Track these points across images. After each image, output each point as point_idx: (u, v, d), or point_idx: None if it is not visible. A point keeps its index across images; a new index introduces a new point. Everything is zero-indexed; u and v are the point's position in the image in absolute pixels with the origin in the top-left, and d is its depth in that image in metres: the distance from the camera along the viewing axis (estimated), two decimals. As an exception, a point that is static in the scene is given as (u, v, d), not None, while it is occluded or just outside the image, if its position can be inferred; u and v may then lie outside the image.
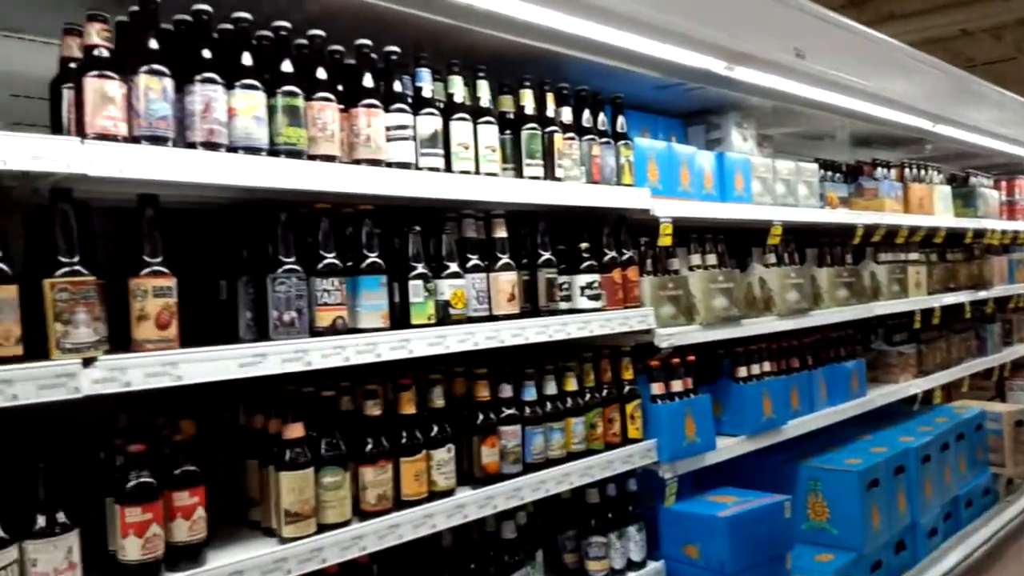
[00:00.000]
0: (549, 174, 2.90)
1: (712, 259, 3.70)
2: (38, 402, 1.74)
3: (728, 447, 3.59)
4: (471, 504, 2.60)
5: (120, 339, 1.94)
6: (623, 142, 3.27)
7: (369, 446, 2.37)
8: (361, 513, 2.35)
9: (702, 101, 4.01)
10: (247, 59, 2.11)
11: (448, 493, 2.55)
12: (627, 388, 3.21)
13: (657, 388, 3.33)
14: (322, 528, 2.24)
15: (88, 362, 1.81)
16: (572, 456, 2.95)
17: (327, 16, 2.43)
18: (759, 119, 4.36)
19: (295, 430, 2.21)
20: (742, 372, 3.73)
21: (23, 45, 2.35)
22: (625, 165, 3.26)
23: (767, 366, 3.87)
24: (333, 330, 2.28)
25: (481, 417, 2.71)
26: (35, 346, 1.79)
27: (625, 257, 3.22)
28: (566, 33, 2.88)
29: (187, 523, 2.01)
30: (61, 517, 1.81)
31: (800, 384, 4.06)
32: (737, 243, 4.10)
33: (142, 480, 1.93)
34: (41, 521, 1.79)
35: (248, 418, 2.40)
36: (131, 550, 1.90)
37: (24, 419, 1.81)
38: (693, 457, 3.38)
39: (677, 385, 3.35)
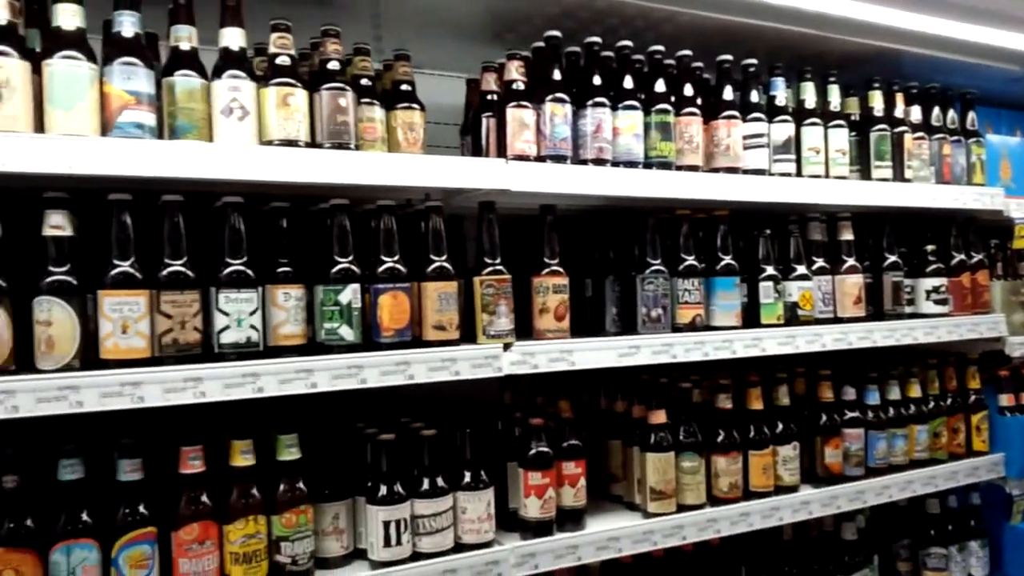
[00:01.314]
0: (898, 175, 2.86)
1: (1072, 263, 3.39)
2: (471, 378, 2.10)
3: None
4: (815, 502, 2.66)
5: (518, 329, 2.26)
6: (974, 140, 3.12)
7: (721, 437, 2.53)
8: (713, 499, 2.52)
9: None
10: (628, 83, 2.36)
11: (792, 489, 2.64)
12: (973, 398, 3.07)
13: (1006, 399, 3.14)
14: (681, 508, 2.44)
15: (507, 347, 2.15)
16: (914, 464, 2.90)
17: (689, 34, 2.62)
18: None
19: (659, 416, 2.43)
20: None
21: (434, 80, 2.80)
22: (976, 164, 3.11)
23: None
24: (692, 327, 2.46)
25: (824, 418, 2.75)
26: (463, 332, 2.16)
27: (974, 260, 3.08)
28: (916, 32, 2.82)
29: (573, 490, 2.30)
30: (483, 475, 2.17)
31: None
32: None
33: (541, 449, 2.25)
34: (468, 477, 2.16)
35: (610, 402, 2.66)
36: (532, 508, 2.23)
37: (433, 394, 2.19)
38: (1048, 476, 3.14)
39: (1030, 397, 3.14)
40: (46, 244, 1.74)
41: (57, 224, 1.74)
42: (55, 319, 1.72)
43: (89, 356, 1.76)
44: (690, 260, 2.49)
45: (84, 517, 1.77)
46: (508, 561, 2.14)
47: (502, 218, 2.24)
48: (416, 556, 2.07)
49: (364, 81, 2.12)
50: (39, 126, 1.71)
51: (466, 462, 2.18)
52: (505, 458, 2.33)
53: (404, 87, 2.20)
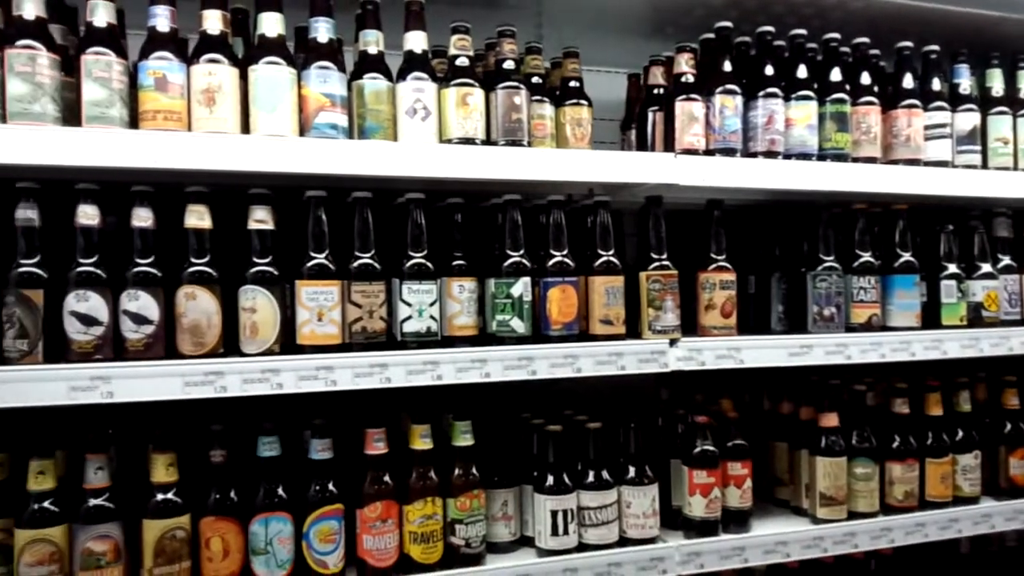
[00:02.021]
0: (1099, 167, 2.62)
1: None
2: (636, 373, 2.10)
3: None
4: (998, 515, 2.49)
5: (683, 325, 2.24)
6: None
7: (897, 443, 2.42)
8: (886, 507, 2.41)
9: None
10: (802, 72, 2.28)
11: (972, 500, 2.49)
12: None
13: None
14: (852, 515, 2.35)
15: (673, 343, 2.14)
16: (1115, 481, 2.65)
17: (860, 20, 2.51)
18: None
19: (831, 419, 2.34)
20: None
21: (593, 76, 2.81)
22: None
23: None
24: (868, 327, 2.36)
25: (1009, 426, 2.57)
26: (628, 327, 2.16)
27: None
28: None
29: (739, 491, 2.26)
30: (647, 470, 2.17)
31: None
32: None
33: (706, 448, 2.22)
34: (632, 471, 2.17)
35: (774, 403, 2.59)
36: (696, 507, 2.21)
37: (587, 388, 2.20)
38: None
39: None
40: (250, 237, 1.88)
41: (261, 219, 1.88)
42: (259, 306, 1.85)
43: (287, 341, 1.89)
44: (866, 257, 2.39)
45: (280, 492, 1.90)
46: (673, 558, 2.13)
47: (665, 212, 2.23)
48: (582, 547, 2.10)
49: (535, 79, 2.16)
50: (244, 127, 1.85)
51: (630, 457, 2.18)
52: (668, 455, 2.31)
53: (573, 83, 2.23)
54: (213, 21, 1.81)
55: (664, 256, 2.19)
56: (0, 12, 1.80)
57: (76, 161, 1.67)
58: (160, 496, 1.82)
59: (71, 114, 1.77)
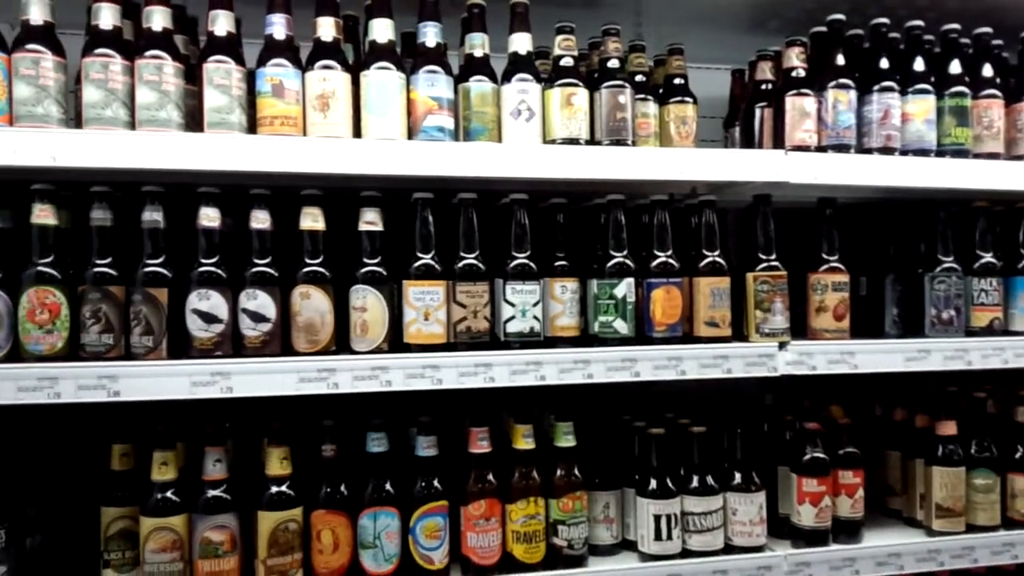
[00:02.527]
0: None
1: None
2: (743, 376, 2.05)
3: None
4: None
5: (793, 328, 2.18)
6: None
7: (1020, 453, 2.28)
8: (1008, 521, 2.28)
9: None
10: (919, 64, 2.19)
11: (1106, 517, 2.32)
12: None
13: None
14: (970, 528, 2.23)
15: (782, 346, 2.08)
16: None
17: (975, 10, 2.38)
18: None
19: (949, 427, 2.23)
20: None
21: (692, 73, 2.76)
22: None
23: None
24: (990, 331, 2.24)
25: None
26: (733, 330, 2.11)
27: None
28: None
29: (850, 500, 2.18)
30: (754, 477, 2.12)
31: None
32: None
33: (817, 455, 2.15)
34: (739, 478, 2.12)
35: (886, 410, 2.49)
36: (806, 516, 2.14)
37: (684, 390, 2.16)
38: None
39: None
40: (361, 238, 1.92)
41: (371, 220, 1.92)
42: (369, 306, 1.90)
43: (394, 340, 1.93)
44: (988, 257, 2.27)
45: (388, 487, 1.94)
46: (781, 567, 2.07)
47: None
48: (686, 553, 2.06)
49: (639, 77, 2.14)
50: (355, 131, 1.90)
51: (736, 462, 2.13)
52: (775, 462, 2.25)
53: (677, 81, 2.20)
54: (327, 28, 1.86)
55: (773, 256, 2.13)
56: (130, 24, 1.89)
57: (199, 165, 1.74)
58: (274, 489, 1.88)
59: (193, 120, 1.85)
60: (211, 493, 1.85)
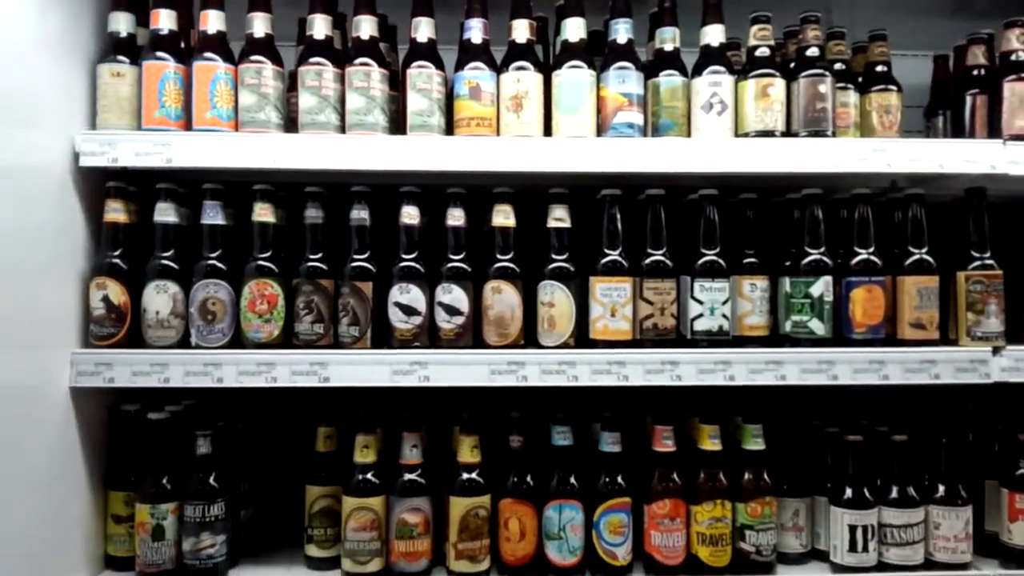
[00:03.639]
0: None
1: None
2: (952, 383, 1.92)
3: None
4: None
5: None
6: None
7: None
8: None
9: None
10: None
11: None
12: None
13: None
14: None
15: (996, 351, 1.92)
16: None
17: None
18: None
19: None
20: None
21: (896, 60, 2.61)
22: None
23: None
24: None
25: None
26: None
27: None
28: None
29: (1071, 522, 1.99)
30: (960, 490, 1.97)
31: None
32: None
33: (1034, 470, 1.98)
34: (942, 490, 1.98)
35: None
36: (1018, 535, 1.97)
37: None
38: None
39: None
40: (549, 235, 1.95)
41: (560, 217, 1.95)
42: (556, 301, 1.92)
43: (580, 335, 1.94)
44: None
45: (572, 481, 1.96)
46: (991, 589, 1.93)
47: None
48: (882, 566, 1.96)
49: (838, 66, 2.04)
50: (546, 130, 1.93)
51: (940, 474, 2.00)
52: (983, 475, 2.09)
53: (880, 68, 2.09)
54: (521, 31, 1.91)
55: (987, 254, 1.97)
56: (338, 34, 2.02)
57: (402, 166, 1.84)
58: (465, 476, 1.95)
59: (394, 124, 1.94)
60: (407, 477, 1.94)
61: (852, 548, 1.94)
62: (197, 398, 2.10)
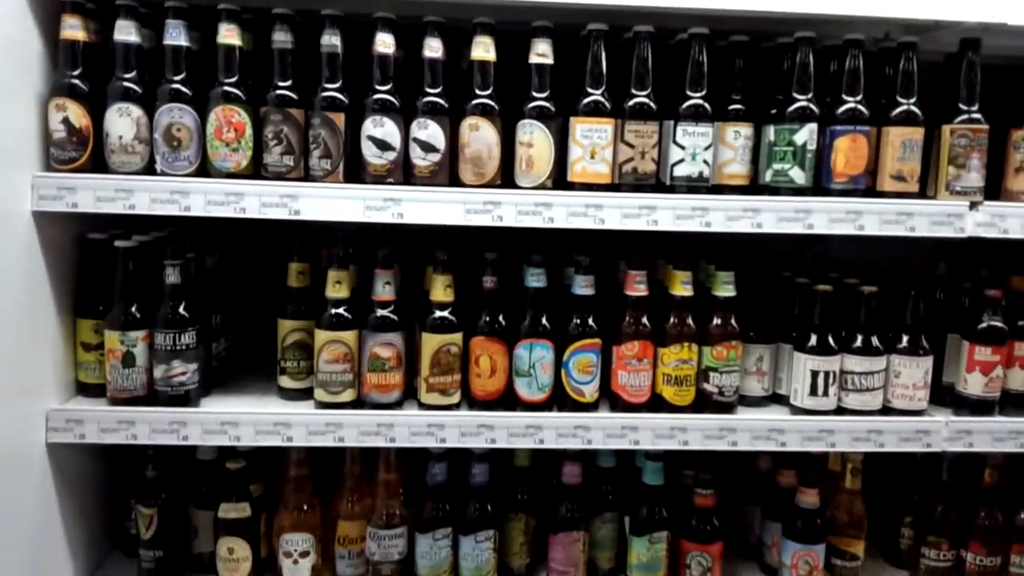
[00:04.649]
0: None
1: None
2: (927, 235, 1.92)
3: None
4: None
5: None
6: None
7: None
8: None
9: None
10: None
11: None
12: None
13: None
14: None
15: (973, 205, 1.92)
16: None
17: None
18: None
19: None
20: None
21: None
22: None
23: None
24: None
25: None
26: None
27: None
28: None
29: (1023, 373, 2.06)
30: (922, 341, 2.02)
31: None
32: None
33: (994, 323, 2.03)
34: (906, 341, 2.03)
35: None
36: (973, 385, 2.05)
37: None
38: None
39: None
40: (531, 72, 1.88)
41: (542, 52, 1.87)
42: (535, 141, 1.88)
43: (559, 177, 1.91)
44: None
45: (544, 321, 1.98)
46: (940, 433, 2.01)
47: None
48: (840, 411, 2.03)
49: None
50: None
51: (905, 326, 2.04)
52: (945, 329, 2.14)
53: (887, -97, 1.95)
54: None
55: (975, 108, 1.93)
56: None
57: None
58: (437, 313, 1.96)
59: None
60: (380, 313, 1.95)
61: (813, 392, 2.01)
62: (166, 230, 2.07)
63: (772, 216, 1.90)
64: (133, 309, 1.91)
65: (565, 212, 1.86)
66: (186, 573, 2.10)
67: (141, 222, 1.96)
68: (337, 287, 1.95)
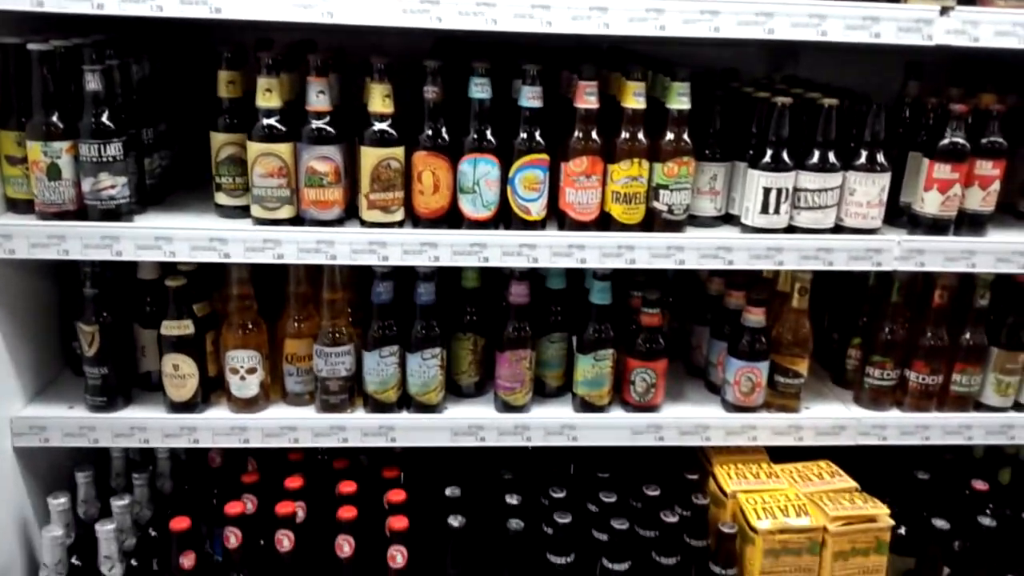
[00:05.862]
0: None
1: None
2: (894, 43, 1.81)
3: None
4: None
5: None
6: None
7: None
8: None
9: None
10: None
11: None
12: None
13: None
14: (1114, 237, 2.05)
15: (944, 11, 1.80)
16: None
17: None
18: None
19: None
20: None
21: None
22: None
23: None
24: None
25: None
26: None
27: None
28: None
29: (982, 193, 2.02)
30: (880, 157, 1.96)
31: None
32: None
33: (957, 140, 1.96)
34: (863, 157, 1.96)
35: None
36: (930, 203, 2.00)
37: None
38: None
39: None
40: None
41: None
42: (476, -69, 1.71)
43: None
44: None
45: (489, 136, 1.89)
46: (892, 252, 1.98)
47: None
48: (791, 229, 1.99)
49: None
50: None
51: (864, 143, 1.97)
52: (907, 147, 2.07)
53: None
54: None
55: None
56: None
57: None
58: (377, 126, 1.86)
59: None
60: (315, 124, 1.85)
61: (764, 210, 1.96)
62: (91, 37, 1.92)
63: (732, 19, 1.77)
64: (55, 118, 1.81)
65: (511, 13, 1.74)
66: (134, 390, 2.11)
67: (66, 28, 1.82)
68: (267, 95, 1.84)
